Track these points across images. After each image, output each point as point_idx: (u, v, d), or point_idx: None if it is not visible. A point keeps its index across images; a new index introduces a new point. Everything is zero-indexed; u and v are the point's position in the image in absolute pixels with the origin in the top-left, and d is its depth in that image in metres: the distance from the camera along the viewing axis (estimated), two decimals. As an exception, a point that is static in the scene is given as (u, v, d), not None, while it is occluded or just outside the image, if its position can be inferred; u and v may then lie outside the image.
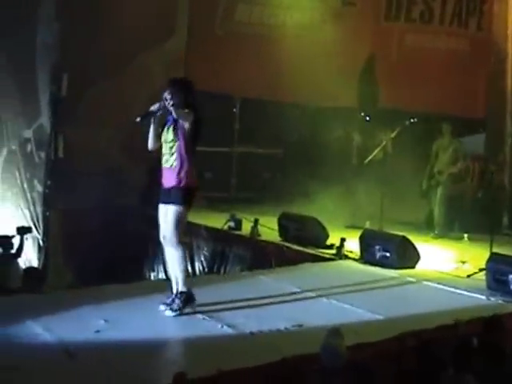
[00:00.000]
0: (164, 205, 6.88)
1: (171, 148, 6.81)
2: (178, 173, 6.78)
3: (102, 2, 12.40)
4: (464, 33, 15.18)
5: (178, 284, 6.87)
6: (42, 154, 12.71)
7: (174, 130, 6.79)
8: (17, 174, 13.27)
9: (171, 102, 6.71)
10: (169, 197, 6.81)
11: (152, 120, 6.87)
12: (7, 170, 13.64)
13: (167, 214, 6.80)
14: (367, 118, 15.30)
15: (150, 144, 6.96)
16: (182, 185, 6.77)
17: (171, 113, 6.79)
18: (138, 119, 6.80)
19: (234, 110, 14.77)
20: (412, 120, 12.66)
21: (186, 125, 6.76)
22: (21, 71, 13.15)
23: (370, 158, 12.46)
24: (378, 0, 14.71)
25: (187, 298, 6.81)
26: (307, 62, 13.17)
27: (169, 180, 6.83)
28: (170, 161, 6.82)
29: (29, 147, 13.06)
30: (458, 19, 15.16)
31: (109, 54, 12.43)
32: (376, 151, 12.40)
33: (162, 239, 6.95)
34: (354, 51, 14.02)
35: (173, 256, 6.84)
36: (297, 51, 13.35)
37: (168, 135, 6.86)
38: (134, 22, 12.49)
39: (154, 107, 6.82)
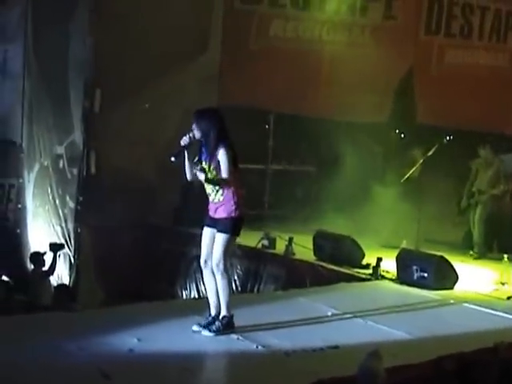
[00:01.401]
0: (210, 229, 6.95)
1: (214, 186, 6.84)
2: (226, 206, 6.83)
3: (134, 18, 12.49)
4: (503, 48, 15.14)
5: (219, 307, 6.93)
6: (75, 171, 12.82)
7: (214, 168, 6.78)
8: (49, 190, 13.41)
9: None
10: (217, 224, 6.87)
11: (185, 154, 6.85)
12: (39, 186, 13.80)
13: (213, 240, 6.88)
14: (402, 135, 15.30)
15: (189, 176, 6.96)
16: (230, 216, 6.83)
17: (203, 144, 6.82)
18: (173, 159, 6.79)
19: (267, 126, 14.79)
20: (449, 137, 12.62)
21: (224, 157, 6.73)
22: (54, 86, 13.31)
23: (407, 176, 12.42)
24: (418, 13, 14.67)
25: (228, 323, 6.87)
26: (344, 77, 13.19)
27: (217, 213, 6.88)
28: (217, 196, 6.85)
29: (61, 163, 13.19)
30: (497, 34, 15.12)
31: (142, 69, 12.51)
32: (413, 169, 12.36)
33: (202, 263, 7.01)
34: (392, 66, 14.00)
35: (218, 282, 6.86)
36: (333, 66, 13.39)
37: (207, 172, 6.81)
38: (167, 36, 12.58)
39: (183, 141, 6.82)
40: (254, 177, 14.56)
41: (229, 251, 6.92)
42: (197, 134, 6.80)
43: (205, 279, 7.10)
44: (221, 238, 6.83)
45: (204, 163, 6.83)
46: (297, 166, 15.51)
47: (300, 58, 13.57)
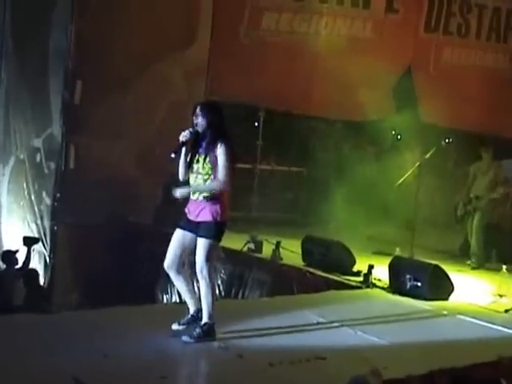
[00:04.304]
0: (186, 232, 6.85)
1: (205, 181, 6.76)
2: (212, 208, 6.73)
3: (119, 7, 12.46)
4: (503, 48, 15.19)
5: (197, 304, 6.93)
6: (52, 165, 12.76)
7: (210, 162, 6.72)
8: (24, 185, 13.35)
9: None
10: (199, 228, 6.76)
11: (184, 150, 6.81)
12: (14, 181, 13.72)
13: (186, 245, 6.84)
14: (398, 137, 15.30)
15: (182, 174, 6.88)
16: (215, 220, 6.74)
17: (202, 139, 6.75)
18: (173, 155, 6.75)
19: (257, 123, 14.78)
20: (447, 140, 12.61)
21: (223, 156, 6.68)
22: (32, 76, 13.26)
23: (401, 179, 12.41)
24: (420, 8, 14.72)
25: (209, 330, 6.80)
26: (341, 74, 13.16)
27: (198, 214, 6.78)
28: (202, 194, 6.76)
29: (38, 157, 13.13)
30: (496, 34, 15.17)
31: (126, 60, 12.48)
32: (409, 173, 12.35)
33: (166, 266, 6.93)
34: (391, 63, 14.02)
35: (202, 288, 6.79)
36: (330, 61, 13.37)
37: (200, 167, 6.78)
38: (154, 27, 12.57)
39: (184, 137, 6.76)
40: (241, 177, 14.52)
41: (213, 257, 6.87)
42: (200, 125, 6.74)
43: (173, 281, 7.03)
44: (204, 244, 6.72)
45: (200, 156, 6.76)
46: (286, 167, 15.49)
47: (294, 53, 13.56)
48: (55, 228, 12.59)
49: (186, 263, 6.97)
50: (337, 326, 7.84)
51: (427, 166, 12.24)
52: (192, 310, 6.99)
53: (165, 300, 11.98)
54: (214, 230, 6.75)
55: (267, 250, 11.28)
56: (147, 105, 12.74)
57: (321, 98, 13.63)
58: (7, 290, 11.54)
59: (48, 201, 12.73)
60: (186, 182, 6.91)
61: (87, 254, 12.26)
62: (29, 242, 12.29)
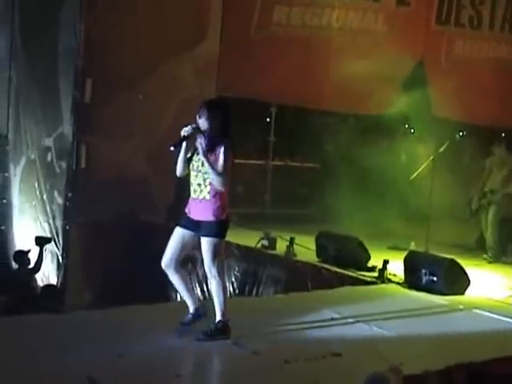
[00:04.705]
0: (186, 231, 6.84)
1: (205, 180, 6.70)
2: (213, 207, 6.69)
3: (128, 5, 12.47)
4: (517, 39, 15.17)
5: (196, 302, 7.01)
6: (63, 164, 12.78)
7: (210, 160, 6.65)
8: (36, 184, 13.38)
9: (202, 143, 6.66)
10: (201, 227, 6.74)
11: (184, 145, 6.74)
12: (26, 181, 13.76)
13: (186, 244, 6.84)
14: (412, 130, 15.28)
15: (179, 170, 6.82)
16: (217, 219, 6.70)
17: (204, 136, 6.68)
18: (172, 148, 6.70)
19: (269, 119, 14.78)
20: (462, 134, 12.59)
21: (223, 155, 6.63)
22: (42, 76, 13.29)
23: (416, 173, 12.39)
24: (431, 0, 14.70)
25: (223, 328, 6.79)
26: (353, 67, 13.13)
27: (200, 213, 6.74)
28: (203, 193, 6.72)
29: (49, 156, 13.16)
30: (510, 24, 15.12)
31: (136, 58, 12.47)
32: (423, 167, 12.33)
33: (163, 264, 6.92)
34: (403, 56, 13.99)
35: (213, 287, 6.80)
36: (342, 55, 13.37)
37: (200, 165, 6.73)
38: (163, 24, 12.55)
39: (185, 132, 6.70)
40: (254, 173, 14.58)
41: (220, 254, 6.79)
42: (203, 124, 6.69)
43: (171, 280, 6.99)
44: (209, 244, 6.70)
45: (200, 155, 6.69)
46: (299, 162, 15.49)
47: (305, 47, 13.53)
48: (67, 227, 12.61)
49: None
50: (352, 322, 7.84)
51: (441, 159, 12.21)
52: (191, 308, 6.97)
53: (178, 298, 11.99)
54: (217, 228, 6.70)
55: (281, 247, 11.29)
56: (158, 103, 12.74)
57: (333, 92, 13.61)
58: (19, 290, 11.59)
59: (60, 200, 12.76)
60: (186, 179, 6.88)
61: (100, 254, 12.28)
62: (41, 241, 12.33)
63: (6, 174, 14.16)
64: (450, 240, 12.53)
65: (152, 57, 12.60)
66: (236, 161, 14.39)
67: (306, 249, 11.17)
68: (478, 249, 12.38)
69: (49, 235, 12.81)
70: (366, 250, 10.64)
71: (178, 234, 6.87)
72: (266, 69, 13.27)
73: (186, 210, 6.86)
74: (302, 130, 15.22)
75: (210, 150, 6.67)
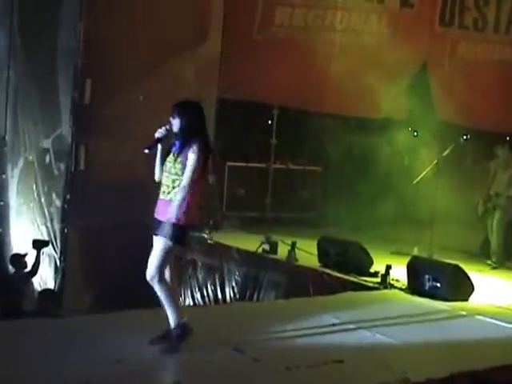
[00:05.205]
0: (158, 237, 6.65)
1: (174, 181, 6.56)
2: (179, 209, 6.49)
3: (129, 4, 12.46)
4: (524, 42, 15.16)
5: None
6: (62, 166, 12.75)
7: (180, 162, 6.54)
8: (34, 186, 13.35)
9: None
10: (160, 227, 6.58)
11: (160, 147, 6.67)
12: (23, 183, 13.74)
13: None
14: (415, 133, 15.28)
15: (157, 174, 6.75)
16: (180, 222, 6.50)
17: (178, 138, 6.62)
18: (147, 150, 6.64)
19: (271, 122, 14.77)
20: (465, 137, 12.60)
21: (193, 156, 6.49)
22: (41, 76, 13.27)
23: (419, 177, 12.40)
24: (434, 2, 14.71)
25: (183, 331, 6.57)
26: (356, 70, 13.14)
27: (164, 213, 6.58)
28: (170, 194, 6.58)
29: (47, 158, 13.13)
30: (516, 27, 15.15)
31: (136, 58, 12.45)
32: (426, 170, 12.33)
33: (147, 276, 6.67)
34: (406, 58, 13.99)
35: (159, 293, 6.57)
36: (344, 57, 13.37)
37: (172, 166, 6.61)
38: (164, 23, 12.54)
39: (159, 133, 6.66)
40: (255, 176, 14.56)
41: (167, 261, 6.59)
42: (175, 125, 6.64)
43: (157, 292, 6.65)
44: (160, 245, 6.54)
45: (172, 155, 6.61)
46: (301, 166, 15.48)
47: (308, 49, 13.53)
48: (65, 230, 12.57)
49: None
50: (354, 328, 7.84)
51: (445, 163, 12.21)
52: (171, 323, 6.68)
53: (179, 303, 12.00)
54: (174, 231, 6.50)
55: (282, 251, 11.29)
56: (158, 104, 12.70)
57: (335, 94, 13.61)
58: (16, 294, 11.58)
59: (58, 203, 12.73)
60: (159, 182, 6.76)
61: (98, 257, 12.27)
62: (38, 245, 12.30)
63: (4, 176, 14.14)
64: (454, 245, 12.53)
65: (152, 57, 12.58)
66: (237, 164, 14.52)
67: (307, 253, 11.16)
68: (482, 254, 12.37)
69: (46, 238, 12.78)
70: (368, 255, 10.64)
71: (154, 244, 6.69)
72: (267, 70, 13.27)
73: (155, 213, 6.71)
74: (304, 133, 15.21)
75: (181, 151, 6.57)
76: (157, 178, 6.78)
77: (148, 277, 6.59)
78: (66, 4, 12.77)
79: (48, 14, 13.03)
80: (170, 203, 6.56)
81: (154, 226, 6.71)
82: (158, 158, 6.72)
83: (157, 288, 6.57)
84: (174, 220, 6.49)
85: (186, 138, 6.60)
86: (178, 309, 6.65)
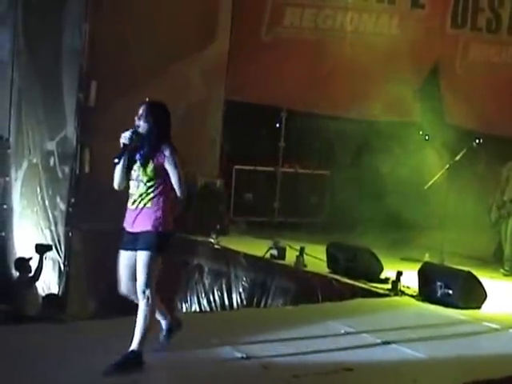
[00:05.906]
0: (129, 252, 6.29)
1: (148, 188, 6.20)
2: (153, 216, 6.19)
3: (135, 5, 12.46)
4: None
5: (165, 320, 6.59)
6: (66, 169, 12.77)
7: (153, 167, 6.20)
8: (38, 189, 13.37)
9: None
10: (137, 240, 6.20)
11: (126, 154, 6.25)
12: (27, 185, 13.75)
13: (135, 263, 6.22)
14: (426, 137, 15.23)
15: (119, 182, 6.34)
16: (156, 230, 6.18)
17: (144, 141, 6.26)
18: (116, 160, 6.23)
19: (279, 125, 14.76)
20: (478, 141, 12.54)
21: (171, 158, 6.20)
22: (45, 77, 13.29)
23: (431, 182, 12.35)
24: (446, 3, 14.68)
25: (135, 359, 6.17)
26: (366, 72, 13.12)
27: (138, 223, 6.22)
28: (143, 201, 6.20)
29: (52, 161, 13.14)
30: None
31: (142, 60, 12.47)
32: (438, 175, 12.29)
33: (123, 293, 6.42)
34: (417, 60, 13.99)
35: (140, 310, 6.20)
36: (355, 59, 13.35)
37: (141, 174, 6.24)
38: (171, 24, 12.55)
39: (125, 139, 6.24)
40: (263, 180, 14.54)
41: (155, 273, 6.22)
42: (142, 127, 6.29)
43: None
44: (144, 259, 6.15)
45: (138, 163, 6.24)
46: (310, 170, 15.46)
47: (317, 51, 13.53)
48: (70, 234, 12.59)
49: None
50: (364, 336, 7.79)
51: (457, 167, 12.16)
52: (164, 325, 6.65)
53: (184, 309, 12.00)
54: (155, 240, 6.16)
55: (291, 257, 11.25)
56: (165, 106, 12.72)
57: (345, 97, 13.61)
58: (20, 299, 11.58)
59: (62, 206, 12.74)
60: (126, 190, 6.38)
61: (103, 261, 12.21)
62: (41, 249, 12.31)
63: (7, 179, 14.16)
64: (466, 251, 12.48)
65: (159, 58, 12.59)
66: (244, 167, 14.47)
67: (316, 259, 11.13)
68: (495, 261, 12.31)
69: (50, 242, 12.79)
70: (378, 261, 10.59)
71: (122, 259, 6.37)
72: (276, 73, 13.28)
73: (125, 225, 6.36)
74: (313, 136, 15.19)
75: (153, 155, 6.24)
76: (118, 185, 6.38)
77: (138, 292, 6.20)
78: (71, 4, 12.79)
79: (52, 14, 13.06)
80: (142, 210, 6.21)
81: (122, 243, 6.35)
82: (121, 165, 6.28)
83: (142, 304, 6.20)
84: (152, 229, 6.17)
85: (155, 143, 6.26)
86: (146, 337, 6.25)
